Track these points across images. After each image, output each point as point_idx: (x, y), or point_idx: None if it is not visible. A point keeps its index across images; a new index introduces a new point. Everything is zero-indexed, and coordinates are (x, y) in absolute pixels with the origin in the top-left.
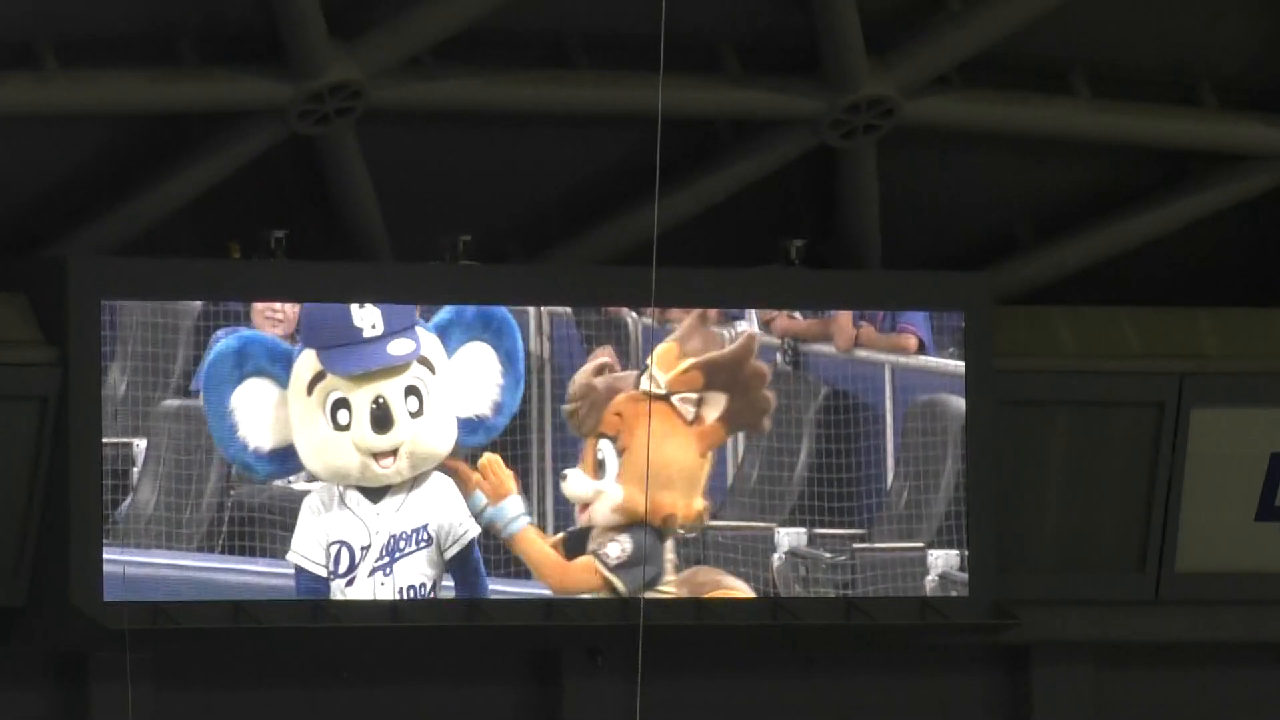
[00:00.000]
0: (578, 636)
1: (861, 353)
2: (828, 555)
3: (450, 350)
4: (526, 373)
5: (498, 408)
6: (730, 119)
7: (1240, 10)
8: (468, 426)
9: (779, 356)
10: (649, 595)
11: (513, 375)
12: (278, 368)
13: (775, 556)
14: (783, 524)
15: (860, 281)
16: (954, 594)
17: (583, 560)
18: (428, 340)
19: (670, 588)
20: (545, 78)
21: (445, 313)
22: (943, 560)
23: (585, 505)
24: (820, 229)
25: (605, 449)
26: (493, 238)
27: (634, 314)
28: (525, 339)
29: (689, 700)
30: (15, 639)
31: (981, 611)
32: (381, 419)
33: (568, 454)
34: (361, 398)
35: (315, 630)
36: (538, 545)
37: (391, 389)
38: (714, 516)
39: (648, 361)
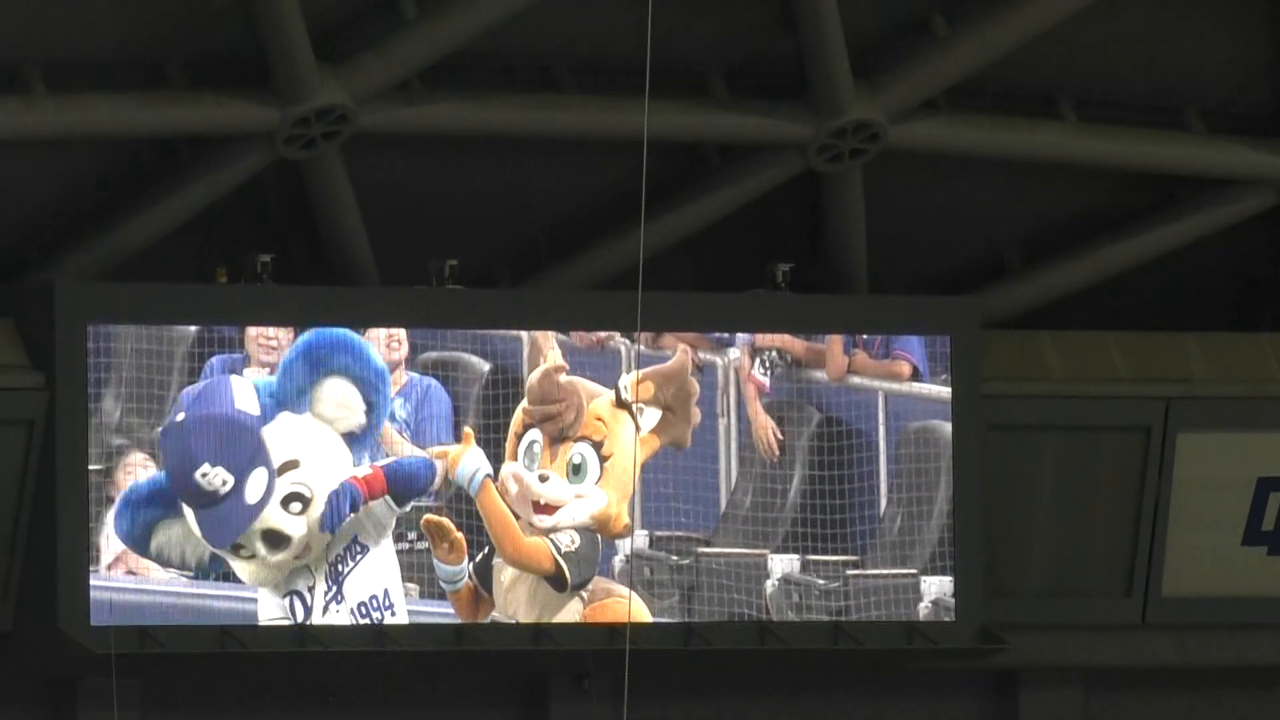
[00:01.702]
0: (565, 661)
1: (854, 379)
2: (821, 581)
3: (301, 407)
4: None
5: (373, 412)
6: (717, 144)
7: (1226, 37)
8: (352, 441)
9: (759, 366)
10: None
11: (376, 387)
12: (173, 511)
13: (768, 583)
14: (776, 550)
15: (847, 306)
16: (943, 619)
17: (536, 540)
18: (280, 445)
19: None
20: (533, 102)
21: (273, 393)
22: (936, 586)
23: (553, 508)
24: (807, 253)
25: (585, 453)
26: (480, 262)
27: (626, 340)
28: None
29: None
30: (3, 663)
31: (969, 636)
32: (276, 542)
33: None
34: (252, 539)
35: (301, 655)
36: (501, 508)
37: (273, 519)
38: (707, 543)
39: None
